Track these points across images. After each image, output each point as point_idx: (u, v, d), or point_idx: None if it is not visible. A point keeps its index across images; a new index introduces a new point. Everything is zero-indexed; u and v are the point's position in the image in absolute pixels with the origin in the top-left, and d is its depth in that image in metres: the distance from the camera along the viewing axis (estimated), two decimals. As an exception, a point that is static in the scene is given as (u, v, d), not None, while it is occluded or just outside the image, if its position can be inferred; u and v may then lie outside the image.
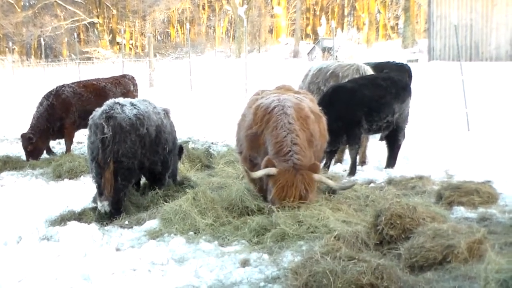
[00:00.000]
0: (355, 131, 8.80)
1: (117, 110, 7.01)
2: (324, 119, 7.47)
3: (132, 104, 7.25)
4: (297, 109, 6.87)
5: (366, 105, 8.79)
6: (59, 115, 11.38)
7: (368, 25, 51.07)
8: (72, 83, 12.05)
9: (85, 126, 11.19)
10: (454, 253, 4.69)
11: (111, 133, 6.84)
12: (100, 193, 6.97)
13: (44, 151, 11.51)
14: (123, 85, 12.59)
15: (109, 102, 7.25)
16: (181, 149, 8.44)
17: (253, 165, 6.97)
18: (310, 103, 7.37)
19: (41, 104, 11.42)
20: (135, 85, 13.11)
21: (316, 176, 6.46)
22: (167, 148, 7.74)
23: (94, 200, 7.30)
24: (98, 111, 7.12)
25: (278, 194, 6.33)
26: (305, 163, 6.44)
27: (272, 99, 6.99)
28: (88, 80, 12.78)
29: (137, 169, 7.25)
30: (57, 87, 11.71)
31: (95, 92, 11.91)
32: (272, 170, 6.37)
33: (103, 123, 6.86)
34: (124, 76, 13.42)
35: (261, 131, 6.79)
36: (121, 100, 7.32)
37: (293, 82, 9.74)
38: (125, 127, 6.96)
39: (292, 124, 6.62)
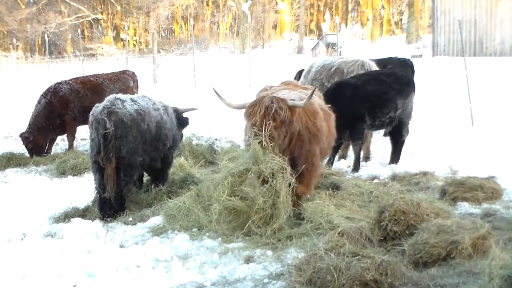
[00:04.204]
0: (358, 127, 8.78)
1: (118, 106, 6.98)
2: (333, 116, 7.34)
3: (132, 100, 7.22)
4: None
5: (369, 100, 8.77)
6: (58, 112, 11.33)
7: (372, 20, 50.92)
8: (70, 80, 11.99)
9: (84, 122, 11.26)
10: (458, 249, 4.69)
11: (113, 128, 6.82)
12: (102, 191, 6.96)
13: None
14: (122, 81, 12.49)
15: (110, 97, 7.21)
16: (186, 121, 8.46)
17: None
18: (319, 100, 7.30)
19: (39, 102, 11.38)
20: (135, 81, 13.01)
21: (289, 101, 6.25)
22: (167, 145, 7.73)
23: (95, 202, 7.29)
24: (98, 107, 7.07)
25: (248, 110, 6.23)
26: None
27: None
28: (86, 76, 12.72)
29: (138, 165, 7.23)
30: (54, 85, 11.66)
31: (92, 88, 11.83)
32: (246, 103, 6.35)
33: (105, 118, 6.82)
34: (124, 72, 13.29)
35: None
36: (121, 96, 7.29)
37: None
38: (127, 122, 6.93)
39: None
